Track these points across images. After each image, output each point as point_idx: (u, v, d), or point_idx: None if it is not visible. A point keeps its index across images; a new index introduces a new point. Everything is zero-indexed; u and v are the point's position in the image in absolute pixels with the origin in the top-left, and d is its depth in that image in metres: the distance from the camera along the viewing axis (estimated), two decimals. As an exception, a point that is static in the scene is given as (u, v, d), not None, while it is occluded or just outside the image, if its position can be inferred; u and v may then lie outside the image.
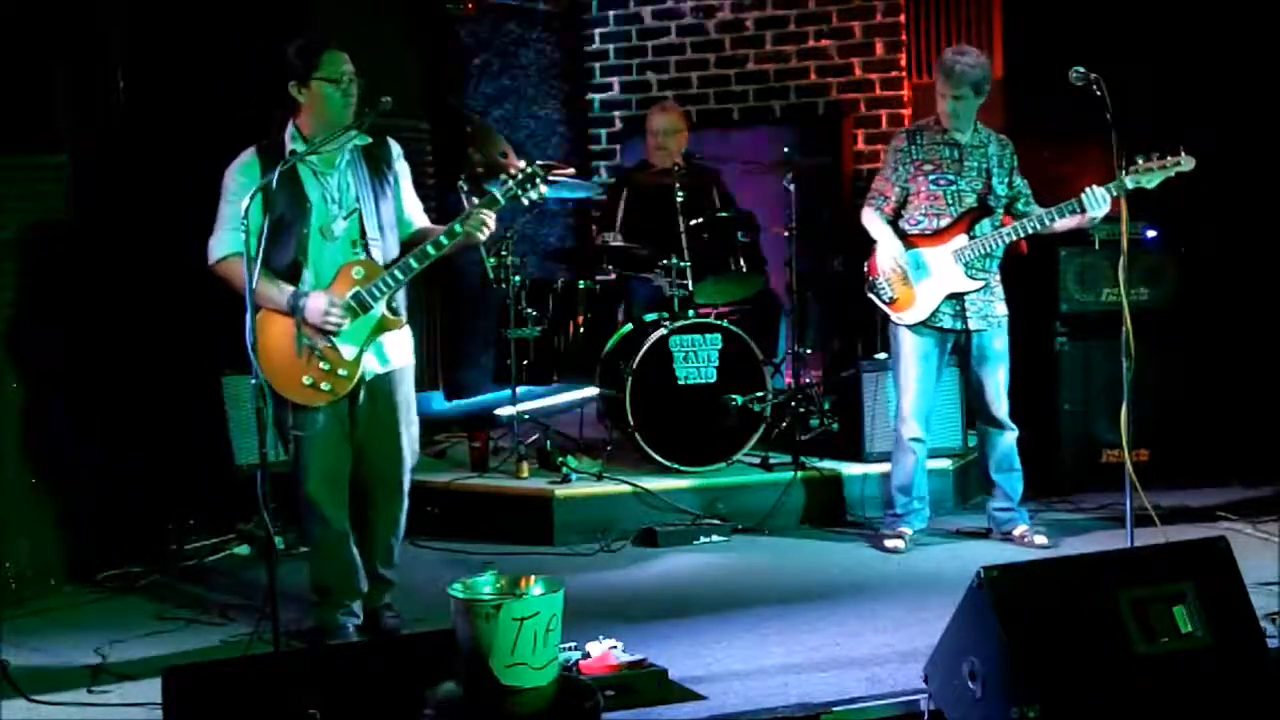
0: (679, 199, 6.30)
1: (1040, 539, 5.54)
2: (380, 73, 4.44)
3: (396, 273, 4.42)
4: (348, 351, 4.39)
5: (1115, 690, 3.37)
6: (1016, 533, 5.60)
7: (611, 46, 8.30)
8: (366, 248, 4.47)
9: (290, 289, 4.34)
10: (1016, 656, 3.32)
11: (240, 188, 4.33)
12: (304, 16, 6.47)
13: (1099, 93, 4.56)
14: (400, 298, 4.52)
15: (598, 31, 8.33)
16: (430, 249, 4.40)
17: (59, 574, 5.38)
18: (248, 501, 4.73)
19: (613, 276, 6.66)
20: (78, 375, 5.43)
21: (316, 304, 4.32)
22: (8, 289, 5.26)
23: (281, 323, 4.34)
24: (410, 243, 4.55)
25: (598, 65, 8.35)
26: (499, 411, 6.84)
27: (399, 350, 4.58)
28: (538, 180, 4.52)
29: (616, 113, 8.32)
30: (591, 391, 6.60)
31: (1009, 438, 5.59)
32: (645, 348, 6.01)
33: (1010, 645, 3.33)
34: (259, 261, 4.09)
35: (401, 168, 4.63)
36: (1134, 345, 4.47)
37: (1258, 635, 3.59)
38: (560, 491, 5.92)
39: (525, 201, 4.57)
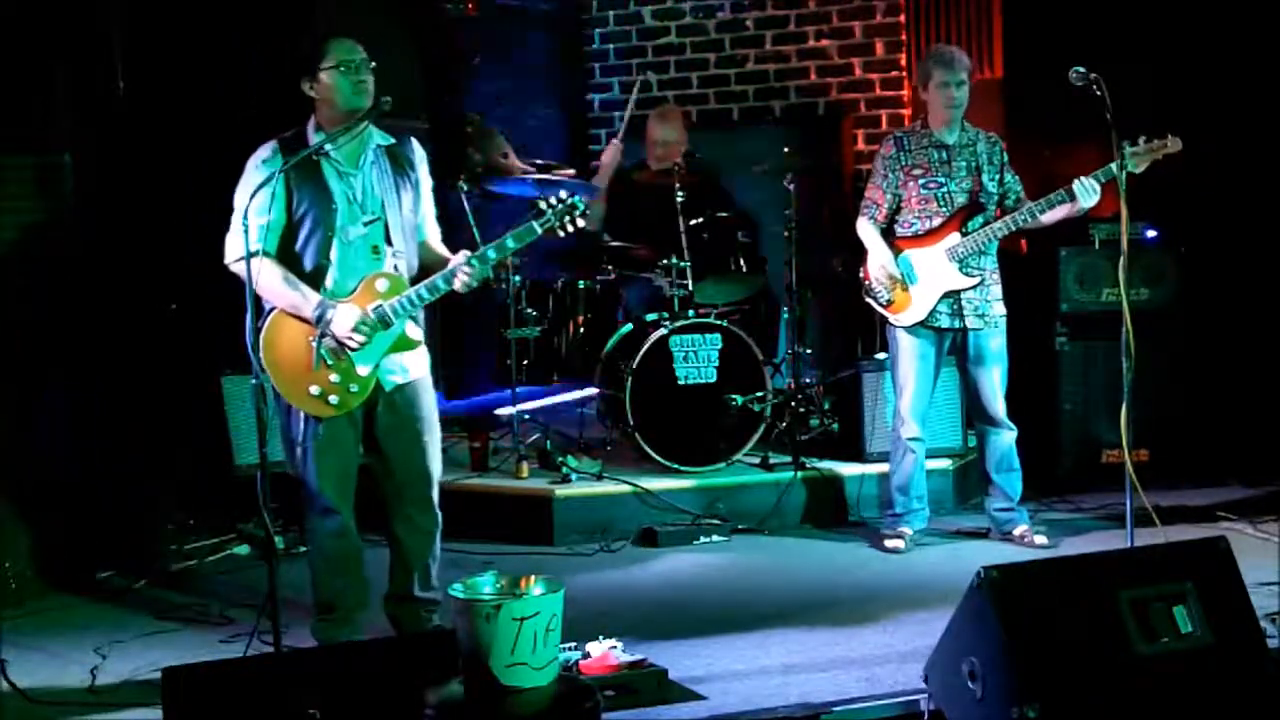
0: (679, 199, 6.30)
1: (1040, 539, 5.54)
2: (380, 73, 4.42)
3: (423, 291, 4.25)
4: (362, 368, 4.24)
5: (1115, 690, 3.37)
6: (1016, 533, 5.60)
7: (611, 46, 8.31)
8: (390, 257, 4.32)
9: (316, 296, 4.18)
10: (1016, 656, 3.32)
11: (262, 182, 4.15)
12: (304, 16, 6.48)
13: (1099, 92, 4.56)
14: (420, 317, 4.37)
15: (598, 31, 8.34)
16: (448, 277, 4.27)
17: (59, 574, 5.38)
18: (248, 501, 4.73)
19: (613, 276, 6.66)
20: (78, 375, 5.43)
21: (345, 318, 4.16)
22: (8, 288, 5.26)
23: (296, 327, 4.19)
24: (421, 256, 4.43)
25: (598, 65, 8.35)
26: (499, 411, 6.84)
27: (417, 361, 4.42)
28: (576, 213, 4.33)
29: (616, 113, 8.31)
30: (591, 391, 6.60)
31: (1007, 437, 5.59)
32: (645, 348, 6.01)
33: (1010, 645, 3.33)
34: (265, 259, 4.06)
35: (424, 174, 4.47)
36: (1134, 345, 4.47)
37: (1258, 635, 3.59)
38: (560, 491, 5.92)
39: (562, 234, 4.37)
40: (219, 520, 5.91)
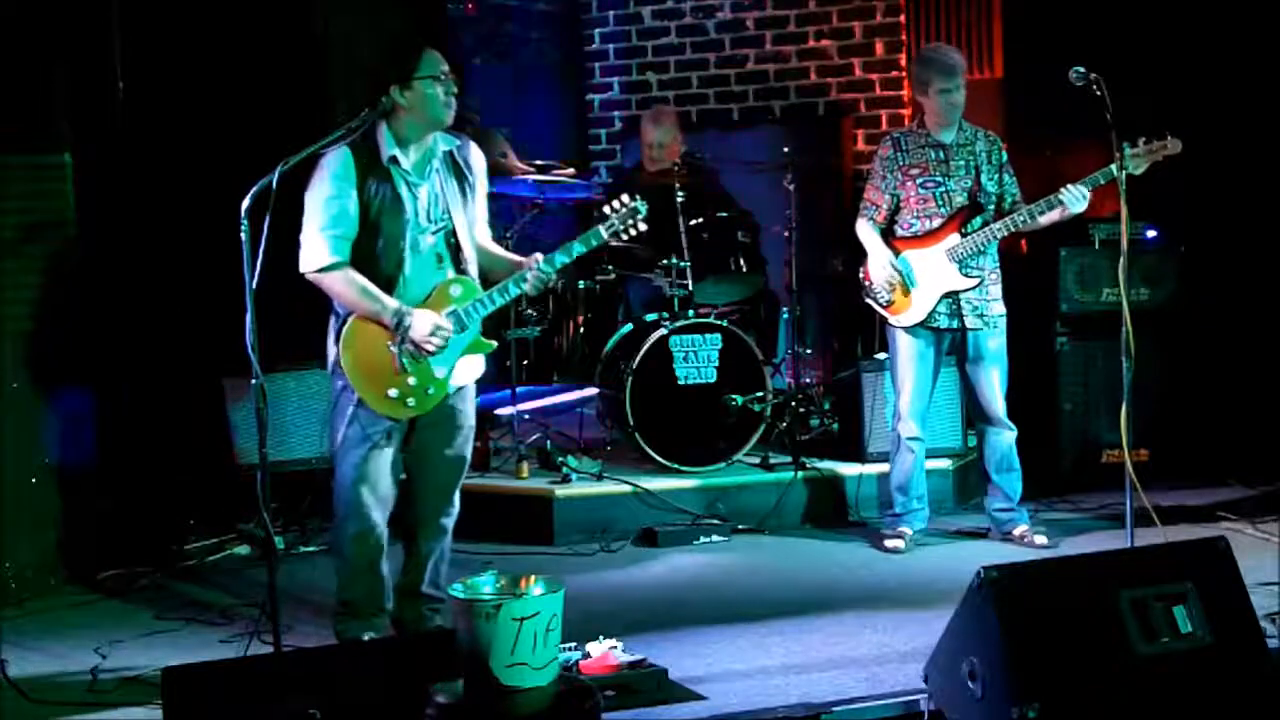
0: (679, 199, 6.30)
1: (1040, 539, 5.54)
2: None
3: (495, 295, 4.36)
4: (439, 371, 4.32)
5: (1115, 690, 3.37)
6: (1016, 533, 5.60)
7: (611, 46, 8.31)
8: (459, 264, 4.39)
9: (394, 303, 4.23)
10: (1016, 656, 3.32)
11: (340, 190, 4.21)
12: (304, 17, 6.48)
13: (1099, 93, 4.56)
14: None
15: (598, 31, 8.34)
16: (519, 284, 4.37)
17: (59, 574, 5.38)
18: (248, 501, 4.73)
19: (613, 276, 6.66)
20: (78, 375, 5.43)
21: (423, 324, 4.23)
22: (9, 288, 5.26)
23: (375, 331, 4.24)
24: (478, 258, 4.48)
25: (598, 65, 8.35)
26: (499, 411, 6.84)
27: (473, 366, 4.49)
28: (639, 217, 4.43)
29: (616, 113, 8.33)
30: (591, 391, 6.60)
31: (1007, 437, 5.59)
32: (645, 348, 6.01)
33: (1010, 645, 3.33)
34: (344, 269, 4.16)
35: (481, 177, 4.51)
36: (1134, 345, 4.47)
37: (1258, 635, 3.59)
38: (560, 491, 5.92)
39: (625, 238, 4.49)
40: (219, 520, 5.91)
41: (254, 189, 3.98)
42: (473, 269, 4.43)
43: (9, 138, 5.21)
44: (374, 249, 4.27)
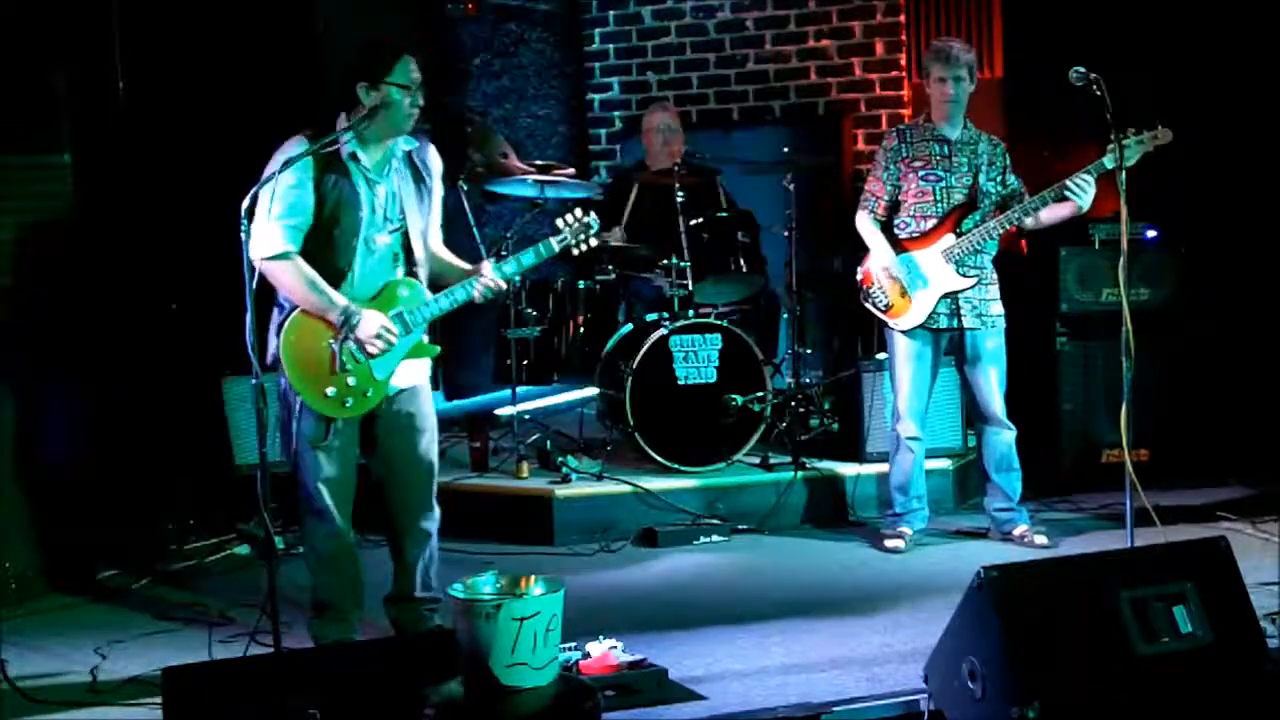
0: (679, 199, 6.30)
1: (1040, 539, 5.54)
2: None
3: (443, 301, 4.33)
4: (379, 373, 4.28)
5: (1115, 690, 3.37)
6: (1016, 533, 5.60)
7: (611, 46, 8.31)
8: (411, 266, 4.38)
9: (342, 300, 4.20)
10: (1016, 656, 3.32)
11: (297, 181, 4.18)
12: (304, 16, 6.49)
13: (1099, 93, 4.56)
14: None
15: (598, 31, 8.34)
16: (468, 290, 4.34)
17: (58, 575, 5.38)
18: (248, 501, 4.73)
19: (613, 276, 6.66)
20: (78, 375, 5.43)
21: (370, 323, 4.19)
22: (8, 288, 5.26)
23: (318, 328, 4.21)
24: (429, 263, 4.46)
25: (598, 65, 8.35)
26: (499, 411, 6.84)
27: (419, 366, 4.46)
28: (591, 232, 4.45)
29: (616, 113, 8.33)
30: (591, 391, 6.60)
31: (1007, 437, 5.59)
32: (645, 348, 6.01)
33: (1010, 645, 3.33)
34: (293, 260, 4.14)
35: (437, 181, 4.50)
36: (1134, 345, 4.47)
37: (1258, 635, 3.59)
38: (560, 491, 5.92)
39: (576, 253, 4.50)
40: (219, 520, 5.91)
41: (254, 189, 3.99)
42: (422, 272, 4.41)
43: (9, 138, 5.21)
44: (326, 243, 4.24)
